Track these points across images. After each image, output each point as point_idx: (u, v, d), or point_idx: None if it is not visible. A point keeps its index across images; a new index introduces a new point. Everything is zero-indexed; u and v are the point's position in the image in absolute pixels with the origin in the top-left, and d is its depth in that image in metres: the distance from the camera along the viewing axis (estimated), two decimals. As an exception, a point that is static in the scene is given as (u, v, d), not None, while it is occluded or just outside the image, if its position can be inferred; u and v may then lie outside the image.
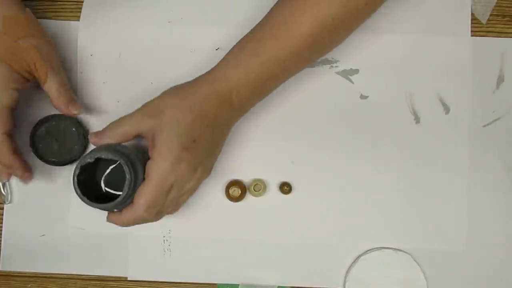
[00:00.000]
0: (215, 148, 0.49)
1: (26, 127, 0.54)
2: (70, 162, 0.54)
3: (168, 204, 0.47)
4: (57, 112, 0.53)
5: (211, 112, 0.46)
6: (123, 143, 0.47)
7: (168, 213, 0.49)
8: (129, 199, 0.45)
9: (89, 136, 0.49)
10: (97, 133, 0.47)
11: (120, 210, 0.47)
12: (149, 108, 0.47)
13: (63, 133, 0.54)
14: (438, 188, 0.54)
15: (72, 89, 0.54)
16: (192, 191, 0.49)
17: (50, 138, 0.54)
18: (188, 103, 0.46)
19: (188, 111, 0.45)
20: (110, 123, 0.47)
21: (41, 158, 0.54)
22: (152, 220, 0.47)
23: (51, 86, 0.49)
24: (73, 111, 0.50)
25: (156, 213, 0.46)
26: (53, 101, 0.50)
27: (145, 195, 0.45)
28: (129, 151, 0.46)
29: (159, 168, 0.45)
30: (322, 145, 0.55)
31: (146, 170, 0.46)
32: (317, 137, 0.55)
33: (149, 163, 0.46)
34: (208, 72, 0.48)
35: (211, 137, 0.47)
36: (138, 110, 0.47)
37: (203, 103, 0.46)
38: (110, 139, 0.46)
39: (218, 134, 0.49)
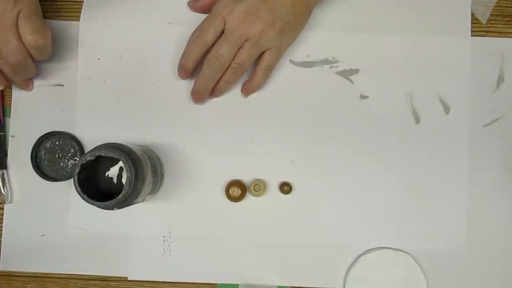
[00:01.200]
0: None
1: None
2: (69, 177, 0.55)
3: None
4: (53, 129, 0.54)
5: None
6: (124, 144, 0.47)
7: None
8: (129, 198, 0.45)
9: (188, 3, 0.55)
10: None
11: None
12: None
13: (62, 150, 0.54)
14: (438, 188, 0.54)
15: (72, 89, 0.55)
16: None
17: (51, 156, 0.54)
18: None
19: None
20: None
21: (43, 175, 0.54)
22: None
23: None
24: None
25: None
26: None
27: None
28: (130, 149, 0.46)
29: None
30: (322, 145, 0.55)
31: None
32: (317, 137, 0.55)
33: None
34: None
35: None
36: None
37: None
38: None
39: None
